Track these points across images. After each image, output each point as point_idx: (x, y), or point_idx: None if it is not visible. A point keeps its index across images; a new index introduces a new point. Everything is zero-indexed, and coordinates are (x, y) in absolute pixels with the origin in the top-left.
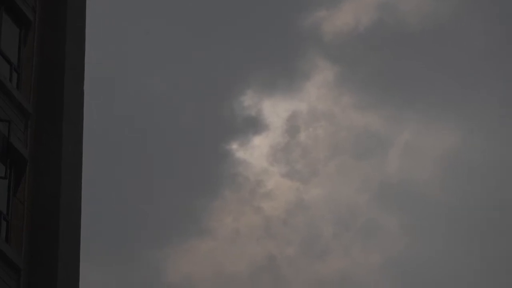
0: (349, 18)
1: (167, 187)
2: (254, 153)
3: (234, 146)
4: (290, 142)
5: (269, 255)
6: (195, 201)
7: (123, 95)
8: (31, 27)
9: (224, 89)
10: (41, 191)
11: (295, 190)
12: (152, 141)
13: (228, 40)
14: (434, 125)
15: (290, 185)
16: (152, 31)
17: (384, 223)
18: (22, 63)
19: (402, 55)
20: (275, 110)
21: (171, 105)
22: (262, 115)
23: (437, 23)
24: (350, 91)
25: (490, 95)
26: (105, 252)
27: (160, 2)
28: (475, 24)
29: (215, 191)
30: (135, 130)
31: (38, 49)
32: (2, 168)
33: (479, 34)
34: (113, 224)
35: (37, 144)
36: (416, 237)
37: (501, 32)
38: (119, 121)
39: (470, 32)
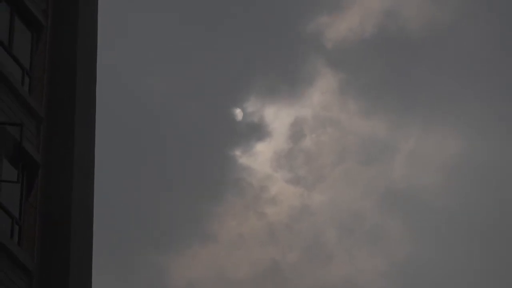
0: (352, 24)
1: (171, 192)
2: (258, 159)
3: (238, 152)
4: (293, 148)
5: (273, 260)
6: (198, 206)
7: (126, 101)
8: (43, 31)
9: (227, 95)
10: (53, 195)
11: (299, 196)
12: (155, 148)
13: (231, 46)
14: (438, 130)
15: (293, 191)
16: (154, 35)
17: (389, 228)
18: (34, 67)
19: (405, 61)
20: (278, 116)
21: (173, 111)
22: (265, 121)
23: (439, 28)
24: (353, 97)
25: (492, 100)
26: (108, 256)
27: (162, 5)
28: (476, 29)
29: (219, 197)
30: (138, 136)
31: (50, 53)
32: (14, 172)
33: (480, 39)
34: (116, 229)
35: (49, 148)
36: (420, 243)
37: (501, 37)
38: (121, 126)
39: (471, 38)
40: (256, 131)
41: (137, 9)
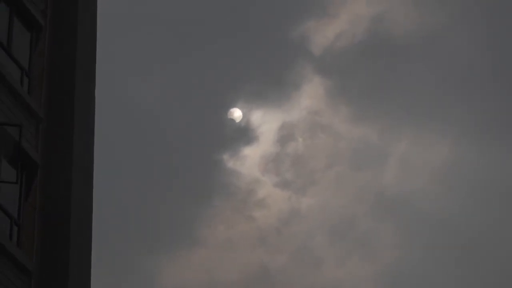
0: (341, 29)
1: (160, 196)
2: (246, 163)
3: (225, 156)
4: (281, 152)
5: (262, 264)
6: (187, 210)
7: (114, 105)
8: (42, 31)
9: (214, 100)
10: (52, 195)
11: (287, 200)
12: (143, 152)
13: (218, 51)
14: (429, 136)
15: (282, 195)
16: (140, 40)
17: (379, 233)
18: (33, 68)
19: (394, 66)
20: (266, 120)
21: (160, 115)
22: (253, 126)
23: (429, 33)
24: (342, 102)
25: (483, 106)
26: (98, 259)
27: (149, 12)
28: (466, 33)
29: (207, 201)
30: (125, 140)
31: (49, 54)
32: (13, 173)
33: (470, 44)
34: (105, 232)
35: (48, 148)
36: (410, 248)
37: (491, 41)
38: (110, 130)
39: (462, 42)
40: (244, 135)
41: (128, 12)
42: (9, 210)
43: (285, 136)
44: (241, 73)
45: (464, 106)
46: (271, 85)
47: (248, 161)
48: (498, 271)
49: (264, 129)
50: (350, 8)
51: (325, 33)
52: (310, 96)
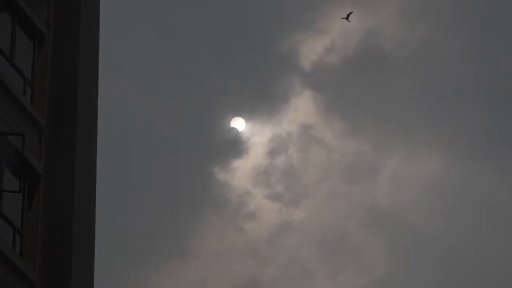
0: (331, 43)
1: (151, 208)
2: (236, 175)
3: (216, 169)
4: (270, 165)
5: (253, 276)
6: (178, 222)
7: (104, 118)
8: (45, 41)
9: (204, 112)
10: (54, 205)
11: (278, 212)
12: (134, 163)
13: (209, 64)
14: (420, 150)
15: (272, 207)
16: (132, 52)
17: (370, 246)
18: (36, 77)
19: (385, 80)
20: (256, 133)
21: (151, 128)
22: (243, 138)
23: (420, 47)
24: (331, 115)
25: (475, 121)
26: None
27: (142, 24)
28: (459, 47)
29: (198, 213)
30: (115, 152)
31: (52, 63)
32: (16, 182)
33: (463, 58)
34: (96, 243)
35: (50, 157)
36: (401, 261)
37: (482, 55)
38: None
39: (454, 57)
40: (234, 147)
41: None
42: (12, 220)
43: (275, 148)
44: (232, 86)
45: (455, 120)
46: (261, 98)
47: (239, 173)
48: (487, 283)
49: (254, 142)
50: (340, 22)
51: (315, 47)
52: (300, 109)
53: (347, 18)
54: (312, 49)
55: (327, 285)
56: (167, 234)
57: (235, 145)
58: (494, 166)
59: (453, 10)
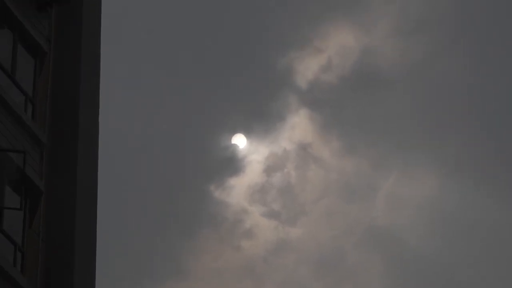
0: (327, 61)
1: (145, 227)
2: (232, 193)
3: (212, 186)
4: (267, 183)
5: None
6: (173, 241)
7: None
8: (46, 57)
9: (200, 130)
10: (56, 222)
11: (274, 230)
12: (128, 183)
13: (204, 82)
14: (418, 169)
15: (269, 225)
16: (125, 69)
17: (367, 265)
18: (37, 94)
19: (381, 99)
20: (252, 151)
21: (146, 146)
22: (239, 156)
23: (416, 66)
24: (328, 133)
25: (471, 140)
26: None
27: (135, 41)
28: (455, 67)
29: (194, 231)
30: (111, 171)
31: (53, 79)
32: (17, 199)
33: (462, 76)
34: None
35: (52, 174)
36: (398, 281)
37: (480, 72)
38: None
39: (452, 75)
40: (230, 165)
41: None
42: (13, 237)
43: (272, 166)
44: (227, 103)
45: (453, 139)
46: (258, 116)
47: (235, 191)
48: None
49: (251, 160)
50: (337, 40)
51: (311, 65)
52: (297, 127)
53: None
54: (309, 67)
55: None
56: (163, 252)
57: (231, 163)
58: (492, 187)
59: (449, 28)
